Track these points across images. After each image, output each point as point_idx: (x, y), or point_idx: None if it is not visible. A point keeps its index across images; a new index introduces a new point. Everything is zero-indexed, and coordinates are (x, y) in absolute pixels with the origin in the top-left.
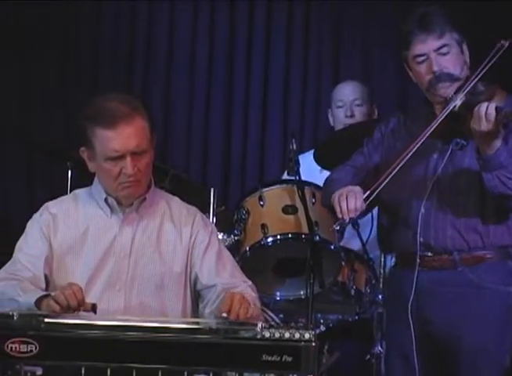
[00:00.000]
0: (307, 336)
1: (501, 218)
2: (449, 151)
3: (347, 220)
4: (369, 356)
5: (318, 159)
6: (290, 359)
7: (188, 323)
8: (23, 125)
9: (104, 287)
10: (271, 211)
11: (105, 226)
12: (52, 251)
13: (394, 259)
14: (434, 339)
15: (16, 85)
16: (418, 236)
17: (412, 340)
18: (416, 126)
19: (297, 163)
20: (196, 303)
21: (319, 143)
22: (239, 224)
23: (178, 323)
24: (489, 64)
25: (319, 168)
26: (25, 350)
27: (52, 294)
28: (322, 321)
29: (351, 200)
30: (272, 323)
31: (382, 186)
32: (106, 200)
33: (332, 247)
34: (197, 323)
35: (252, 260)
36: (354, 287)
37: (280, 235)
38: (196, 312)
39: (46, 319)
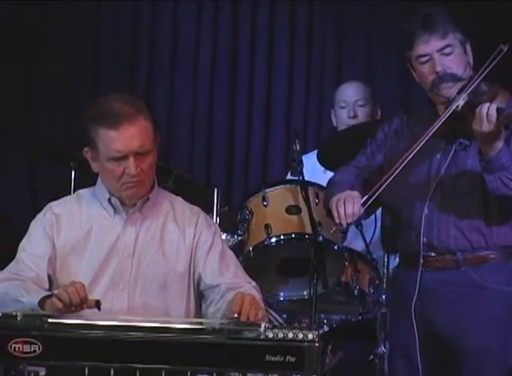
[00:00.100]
0: (310, 336)
1: (504, 219)
2: (452, 151)
3: (345, 225)
4: (372, 356)
5: (321, 159)
6: (293, 359)
7: (191, 323)
8: (26, 126)
9: (107, 286)
10: (274, 211)
11: (108, 226)
12: (56, 251)
13: (397, 259)
14: (437, 339)
15: (19, 86)
16: (421, 236)
17: (416, 340)
18: (419, 126)
19: (301, 163)
20: (199, 303)
21: (323, 144)
22: (243, 224)
23: (182, 323)
24: (489, 68)
25: (323, 168)
26: (28, 350)
27: (55, 292)
28: (325, 321)
29: (348, 205)
30: (276, 323)
31: (381, 190)
32: (109, 200)
33: (335, 247)
34: (200, 324)
35: (255, 260)
36: (357, 288)
37: (284, 235)
38: (199, 312)
39: (50, 320)
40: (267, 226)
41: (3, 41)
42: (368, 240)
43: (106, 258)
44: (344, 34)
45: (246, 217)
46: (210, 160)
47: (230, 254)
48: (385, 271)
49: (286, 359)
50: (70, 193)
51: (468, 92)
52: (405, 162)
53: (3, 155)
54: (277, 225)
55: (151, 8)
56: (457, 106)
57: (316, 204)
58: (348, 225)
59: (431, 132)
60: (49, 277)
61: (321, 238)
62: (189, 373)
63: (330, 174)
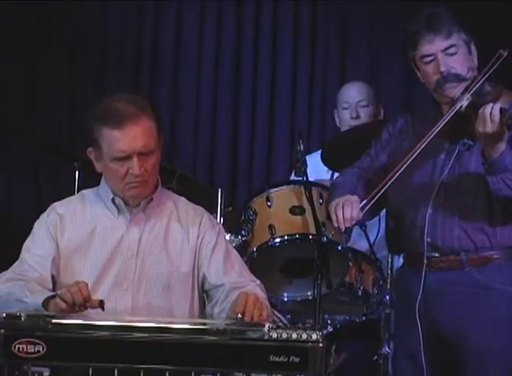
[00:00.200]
0: (314, 337)
1: (508, 219)
2: (456, 152)
3: (343, 229)
4: (376, 357)
5: (325, 160)
6: (297, 359)
7: (195, 323)
8: (30, 126)
9: (111, 286)
10: (278, 211)
11: (112, 226)
12: (59, 252)
13: (401, 260)
14: (441, 339)
15: (23, 86)
16: (425, 236)
17: (420, 340)
18: (423, 126)
19: (305, 163)
20: (203, 303)
21: (326, 144)
22: (247, 225)
23: (186, 323)
24: (488, 73)
25: (326, 168)
26: (32, 351)
27: (59, 292)
28: (329, 322)
29: (347, 209)
30: (280, 323)
31: (380, 193)
32: (113, 200)
33: (339, 247)
34: (204, 324)
35: (259, 261)
36: (361, 288)
37: (288, 236)
38: (203, 312)
39: (53, 320)
40: (271, 227)
41: (6, 42)
42: (372, 241)
43: (110, 258)
44: (348, 34)
45: (250, 217)
46: (213, 161)
47: (234, 253)
48: (389, 271)
49: (290, 360)
50: (74, 194)
51: (472, 92)
52: (408, 163)
53: (7, 155)
54: (281, 226)
55: (155, 8)
56: (461, 107)
57: (320, 204)
58: (346, 229)
59: (434, 132)
60: (53, 277)
61: (325, 238)
62: (193, 373)
63: (334, 174)
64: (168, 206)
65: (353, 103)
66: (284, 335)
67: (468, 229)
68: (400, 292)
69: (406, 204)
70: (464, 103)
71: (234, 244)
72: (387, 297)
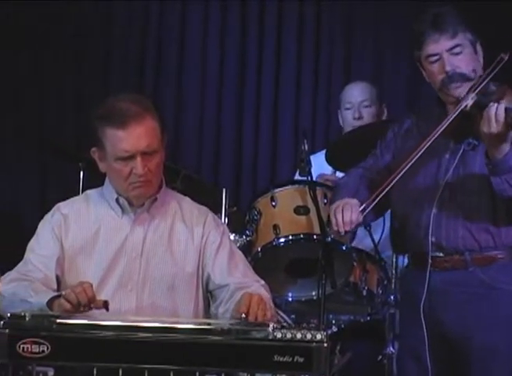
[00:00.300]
0: (319, 337)
1: None
2: (461, 151)
3: (343, 233)
4: (380, 357)
5: (329, 159)
6: (301, 359)
7: (199, 323)
8: (36, 126)
9: (116, 287)
10: (283, 211)
11: (116, 227)
12: (64, 252)
13: (406, 260)
14: (446, 339)
15: (29, 86)
16: (430, 236)
17: (425, 340)
18: (428, 126)
19: (309, 163)
20: (207, 303)
21: (331, 144)
22: (251, 225)
23: (190, 323)
24: (490, 76)
25: (331, 168)
26: (37, 351)
27: (63, 293)
28: (333, 322)
29: (346, 213)
30: (284, 323)
31: (383, 194)
32: (117, 200)
33: (343, 247)
34: (209, 324)
35: (264, 261)
36: (366, 288)
37: (292, 236)
38: (207, 312)
39: (58, 320)
40: (275, 227)
41: (8, 42)
42: (376, 241)
43: (115, 259)
44: (353, 34)
45: (255, 217)
46: (218, 161)
47: (239, 253)
48: (394, 271)
49: (295, 360)
50: (79, 194)
51: (477, 91)
52: (411, 163)
53: (13, 155)
54: (285, 226)
55: (159, 8)
56: (466, 106)
57: (325, 204)
58: (346, 232)
59: (439, 132)
60: (57, 278)
61: (329, 238)
62: (197, 373)
63: (339, 174)
64: (172, 206)
65: (356, 103)
66: (289, 335)
67: (472, 229)
68: (404, 292)
69: (411, 203)
70: (469, 102)
71: (238, 244)
72: (392, 297)
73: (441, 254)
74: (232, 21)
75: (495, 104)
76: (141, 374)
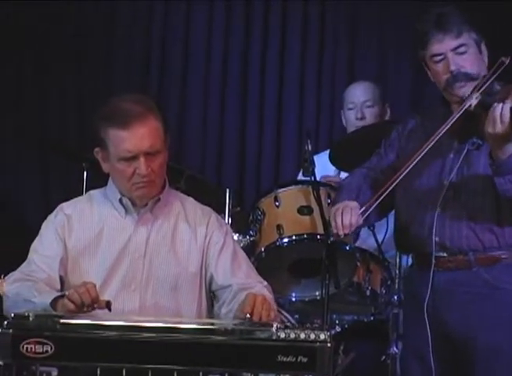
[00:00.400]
0: (322, 337)
1: None
2: (465, 151)
3: (342, 235)
4: (384, 357)
5: (333, 159)
6: (305, 359)
7: (203, 323)
8: (39, 126)
9: (119, 287)
10: (286, 211)
11: (119, 227)
12: (67, 252)
13: (410, 260)
14: (449, 340)
15: (32, 87)
16: (433, 235)
17: (429, 340)
18: (433, 126)
19: (313, 163)
20: (211, 304)
21: (334, 144)
22: (255, 225)
23: (193, 323)
24: (490, 80)
25: (334, 168)
26: (40, 351)
27: (67, 293)
28: (337, 322)
29: (346, 216)
30: (288, 323)
31: (384, 196)
32: (120, 200)
33: (347, 247)
34: (212, 324)
35: (267, 261)
36: (369, 288)
37: (296, 236)
38: (211, 312)
39: (62, 320)
40: (279, 227)
41: (11, 42)
42: (380, 240)
43: (118, 259)
44: (357, 34)
45: (258, 217)
46: (222, 161)
47: (242, 254)
48: (397, 271)
49: (298, 360)
50: (82, 194)
51: (481, 91)
52: (414, 163)
53: (16, 156)
54: (289, 226)
55: (163, 8)
56: (470, 106)
57: (328, 204)
58: (346, 235)
59: (443, 131)
60: (61, 278)
61: (329, 240)
62: (201, 373)
63: (342, 174)
64: (176, 206)
65: (358, 104)
66: (292, 335)
67: (476, 229)
68: (408, 292)
69: (415, 203)
70: (473, 102)
71: (242, 244)
72: (395, 297)
73: (445, 255)
74: (237, 21)
75: (501, 104)
76: (144, 374)
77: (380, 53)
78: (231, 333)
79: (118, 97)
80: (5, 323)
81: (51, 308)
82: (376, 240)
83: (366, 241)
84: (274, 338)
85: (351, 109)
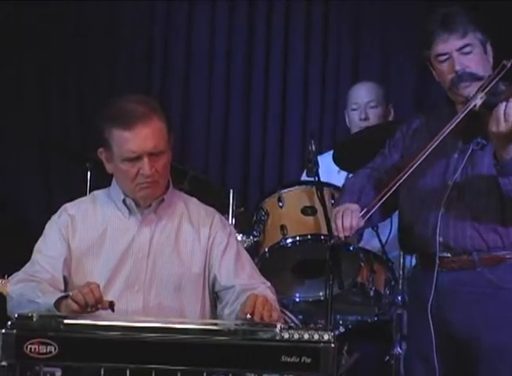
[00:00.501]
0: (326, 337)
1: None
2: (469, 151)
3: (343, 238)
4: (388, 357)
5: (337, 160)
6: (309, 360)
7: (207, 324)
8: (42, 127)
9: (123, 287)
10: (290, 212)
11: (123, 227)
12: (71, 253)
13: (414, 260)
14: (453, 340)
15: (34, 86)
16: (437, 236)
17: (433, 341)
18: (438, 126)
19: (316, 164)
20: (214, 304)
21: (338, 145)
22: (259, 225)
23: (197, 324)
24: (493, 83)
25: (338, 168)
26: (44, 351)
27: (70, 293)
28: (341, 322)
29: (346, 218)
30: (291, 324)
31: (383, 200)
32: (124, 201)
33: (351, 248)
34: (216, 325)
35: (271, 261)
36: (373, 288)
37: (299, 236)
38: (214, 313)
39: (65, 321)
40: (282, 227)
41: (12, 42)
42: (384, 241)
43: (122, 259)
44: (360, 34)
45: (262, 218)
46: (225, 161)
47: (245, 254)
48: (401, 272)
49: (302, 360)
50: (86, 194)
51: (486, 91)
52: (418, 163)
53: (19, 156)
54: (293, 226)
55: (166, 8)
56: (475, 105)
57: (332, 204)
58: (346, 238)
59: (447, 131)
60: (65, 279)
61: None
62: (204, 374)
63: (345, 174)
64: (179, 207)
65: (362, 104)
66: (296, 336)
67: (481, 229)
68: (412, 292)
69: (419, 203)
70: (478, 101)
71: (246, 245)
72: (399, 297)
73: (449, 255)
74: (240, 21)
75: (504, 103)
76: (148, 375)
77: (384, 53)
78: (234, 333)
79: (121, 98)
80: (9, 323)
81: (55, 308)
82: (380, 241)
83: (370, 242)
84: (278, 338)
85: (354, 109)
